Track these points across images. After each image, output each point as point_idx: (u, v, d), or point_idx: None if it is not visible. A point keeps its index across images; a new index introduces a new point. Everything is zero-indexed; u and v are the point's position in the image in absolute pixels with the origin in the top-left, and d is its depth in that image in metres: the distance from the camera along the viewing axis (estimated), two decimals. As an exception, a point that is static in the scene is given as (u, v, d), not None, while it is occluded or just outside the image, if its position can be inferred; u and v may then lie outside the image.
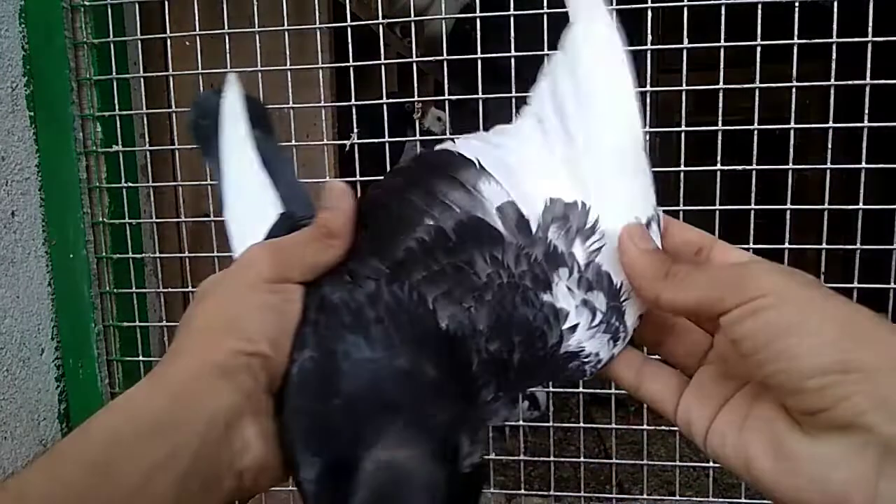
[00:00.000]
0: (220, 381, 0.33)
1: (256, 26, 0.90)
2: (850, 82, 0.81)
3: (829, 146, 0.84)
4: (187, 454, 0.30)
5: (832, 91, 0.82)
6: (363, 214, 0.39)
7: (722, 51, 0.84)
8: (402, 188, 0.39)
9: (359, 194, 0.40)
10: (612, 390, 0.94)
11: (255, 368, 0.34)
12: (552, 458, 0.99)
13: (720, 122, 0.85)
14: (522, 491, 1.02)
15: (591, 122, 0.38)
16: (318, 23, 0.91)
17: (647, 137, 0.43)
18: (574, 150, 0.38)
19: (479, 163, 0.38)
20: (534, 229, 0.36)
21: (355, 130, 0.92)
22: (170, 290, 1.04)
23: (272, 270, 0.37)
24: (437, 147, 0.40)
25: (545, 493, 1.04)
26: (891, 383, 0.28)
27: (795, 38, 0.81)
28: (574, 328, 0.36)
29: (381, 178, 0.43)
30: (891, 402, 0.28)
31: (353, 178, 0.92)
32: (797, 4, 0.80)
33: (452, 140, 0.40)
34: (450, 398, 0.35)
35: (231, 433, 0.32)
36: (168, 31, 0.94)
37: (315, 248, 0.38)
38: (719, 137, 0.86)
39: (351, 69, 0.90)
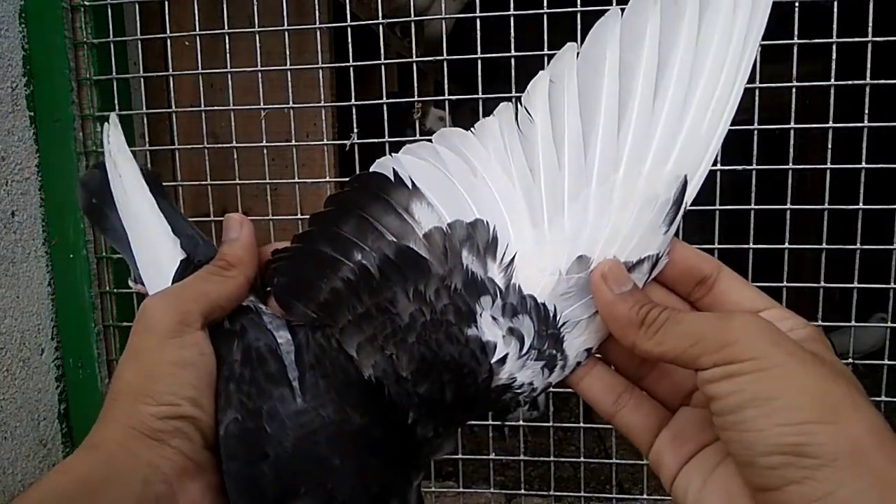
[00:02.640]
0: (151, 444, 0.34)
1: (256, 26, 0.90)
2: (850, 82, 0.81)
3: (829, 146, 0.84)
4: None
5: (832, 91, 0.82)
6: (295, 253, 0.39)
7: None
8: (334, 218, 0.38)
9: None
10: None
11: (188, 430, 0.35)
12: (552, 458, 0.99)
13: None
14: (522, 491, 1.02)
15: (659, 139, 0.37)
16: (318, 23, 0.91)
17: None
18: (565, 172, 0.36)
19: (413, 181, 0.37)
20: (449, 256, 0.35)
21: (355, 130, 0.92)
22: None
23: (173, 322, 0.36)
24: (376, 163, 0.39)
25: (545, 493, 1.04)
26: (845, 473, 0.27)
27: (795, 38, 0.81)
28: (503, 360, 0.35)
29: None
30: (840, 495, 0.27)
31: (353, 178, 0.91)
32: (797, 4, 0.80)
33: (395, 153, 0.39)
34: (379, 445, 0.35)
35: (177, 490, 0.34)
36: (168, 31, 0.93)
37: (213, 282, 0.38)
38: (719, 137, 0.86)
39: (351, 69, 0.90)
